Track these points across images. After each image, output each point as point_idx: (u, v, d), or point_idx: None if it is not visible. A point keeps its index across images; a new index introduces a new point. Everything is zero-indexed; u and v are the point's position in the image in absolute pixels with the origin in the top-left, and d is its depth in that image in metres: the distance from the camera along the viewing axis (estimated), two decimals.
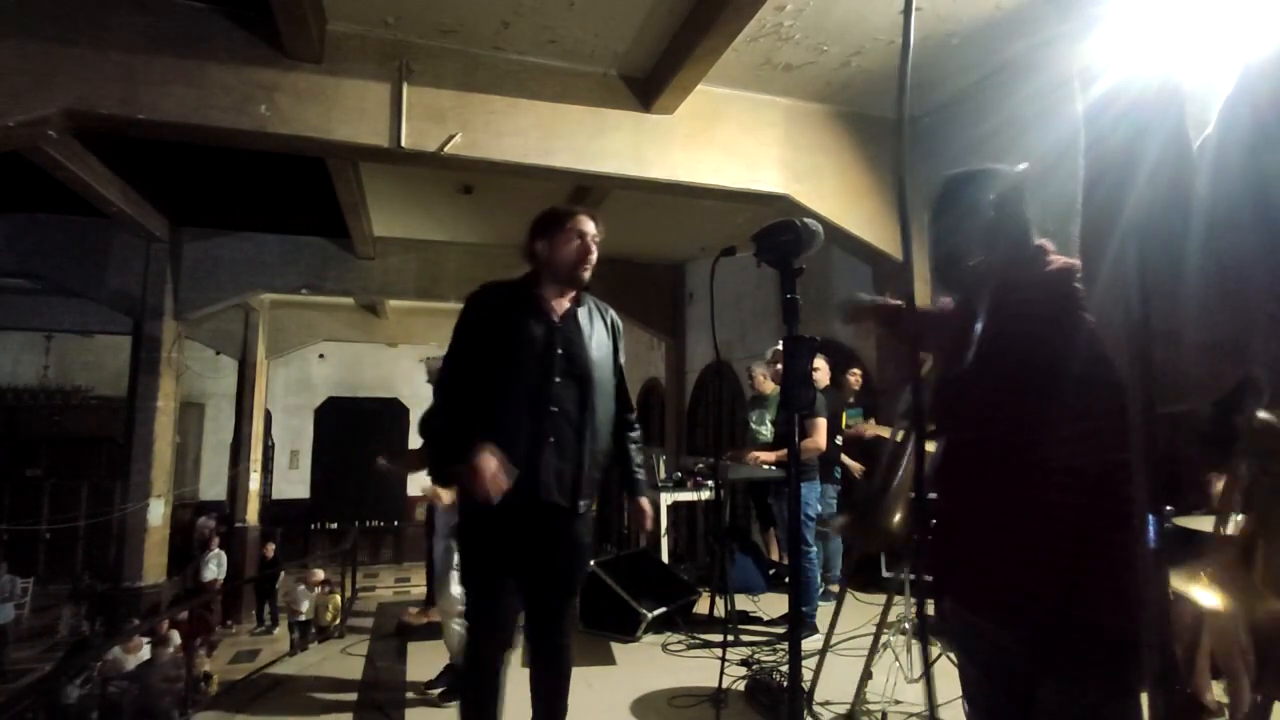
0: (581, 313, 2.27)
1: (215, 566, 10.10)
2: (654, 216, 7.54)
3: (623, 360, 2.39)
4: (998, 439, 1.29)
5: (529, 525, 2.10)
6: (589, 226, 2.23)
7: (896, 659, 3.10)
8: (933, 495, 1.38)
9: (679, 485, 5.65)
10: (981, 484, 1.31)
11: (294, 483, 14.61)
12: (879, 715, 2.86)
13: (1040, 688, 1.30)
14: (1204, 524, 2.42)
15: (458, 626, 3.33)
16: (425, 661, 3.96)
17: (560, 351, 2.16)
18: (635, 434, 2.44)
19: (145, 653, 7.24)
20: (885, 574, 5.43)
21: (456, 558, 3.20)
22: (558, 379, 2.14)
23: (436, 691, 3.37)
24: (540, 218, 2.27)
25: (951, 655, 1.51)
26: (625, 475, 2.40)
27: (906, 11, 0.72)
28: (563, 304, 2.26)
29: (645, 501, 2.43)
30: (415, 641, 4.27)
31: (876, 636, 2.90)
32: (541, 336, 2.15)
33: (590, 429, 2.19)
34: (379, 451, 5.10)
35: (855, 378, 5.54)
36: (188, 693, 6.72)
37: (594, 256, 2.25)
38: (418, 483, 15.09)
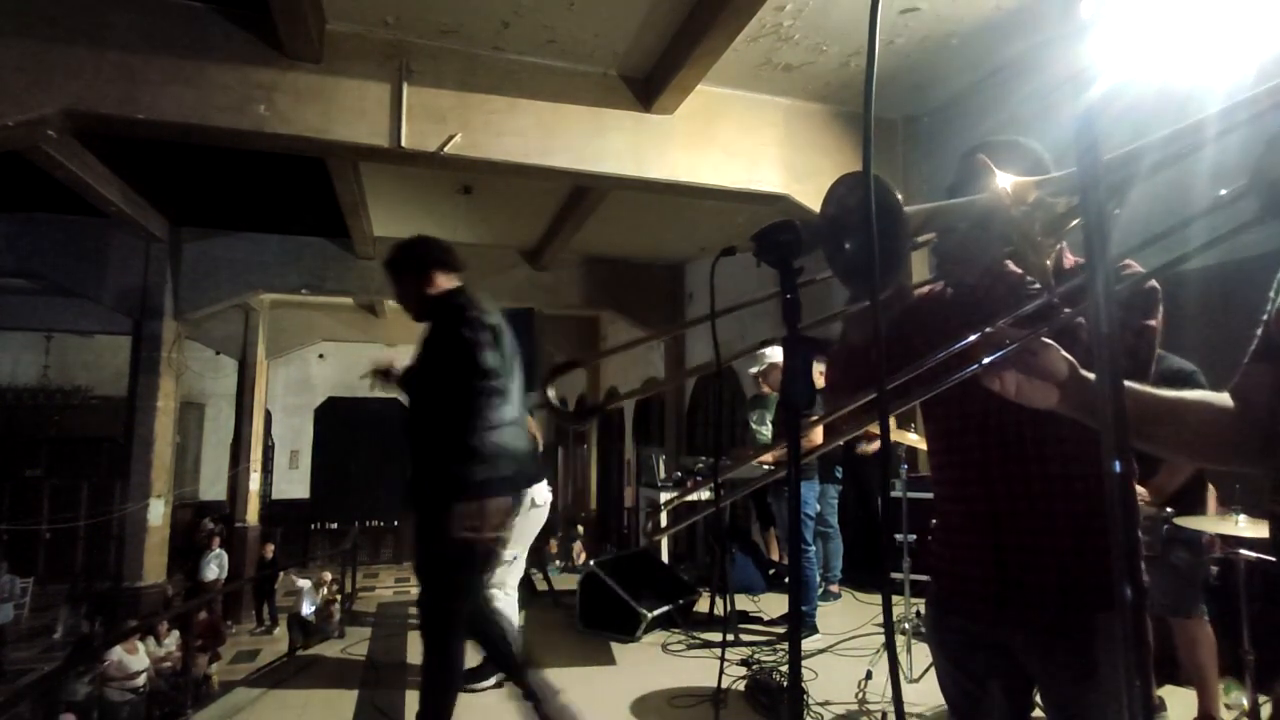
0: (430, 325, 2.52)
1: (216, 567, 10.10)
2: (654, 217, 7.50)
3: (458, 352, 2.28)
4: (1042, 446, 1.25)
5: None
6: None
7: None
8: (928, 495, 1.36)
9: (678, 485, 5.65)
10: (1005, 486, 1.28)
11: (294, 483, 14.61)
12: (879, 715, 2.86)
13: (1047, 688, 1.29)
14: (1203, 524, 2.43)
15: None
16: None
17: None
18: (464, 432, 2.30)
19: (143, 657, 7.21)
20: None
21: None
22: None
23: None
24: None
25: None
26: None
27: (872, 17, 0.71)
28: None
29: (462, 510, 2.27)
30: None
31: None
32: None
33: (413, 437, 2.46)
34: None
35: None
36: (188, 693, 6.69)
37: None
38: None
